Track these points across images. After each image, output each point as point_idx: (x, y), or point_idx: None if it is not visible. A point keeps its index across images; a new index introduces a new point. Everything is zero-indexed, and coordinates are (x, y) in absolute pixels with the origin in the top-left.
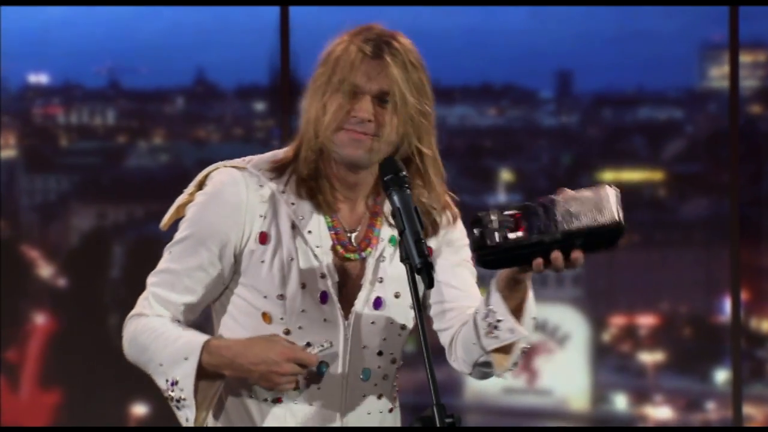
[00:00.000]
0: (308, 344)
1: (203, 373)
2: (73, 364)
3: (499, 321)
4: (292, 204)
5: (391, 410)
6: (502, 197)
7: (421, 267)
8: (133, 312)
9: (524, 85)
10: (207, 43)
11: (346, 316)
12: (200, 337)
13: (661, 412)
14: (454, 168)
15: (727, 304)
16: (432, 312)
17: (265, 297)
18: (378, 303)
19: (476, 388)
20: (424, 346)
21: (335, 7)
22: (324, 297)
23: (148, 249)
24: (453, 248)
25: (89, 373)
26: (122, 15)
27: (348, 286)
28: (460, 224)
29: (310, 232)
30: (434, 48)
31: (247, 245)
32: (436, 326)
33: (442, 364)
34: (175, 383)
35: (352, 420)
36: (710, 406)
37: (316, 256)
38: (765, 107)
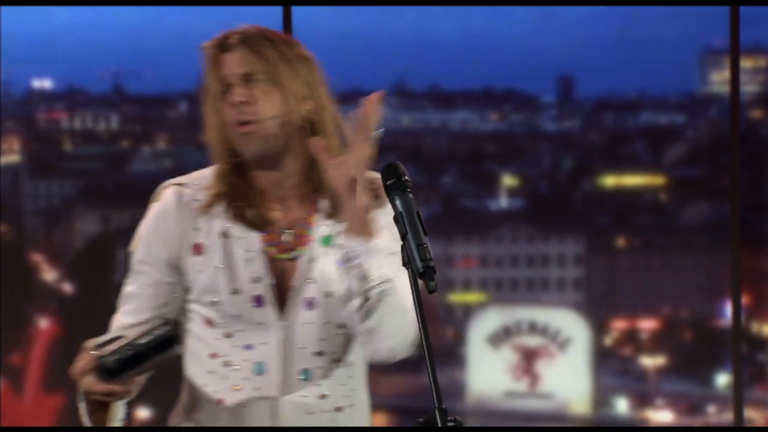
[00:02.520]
0: (248, 346)
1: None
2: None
3: (352, 249)
4: (223, 212)
5: (340, 409)
6: (504, 202)
7: (423, 271)
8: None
9: (526, 89)
10: None
11: (282, 318)
12: None
13: (662, 415)
14: (455, 172)
15: (728, 308)
16: None
17: (204, 304)
18: (310, 303)
19: (478, 391)
20: (426, 349)
21: (339, 11)
22: (258, 300)
23: None
24: None
25: None
26: (126, 20)
27: (283, 287)
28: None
29: (241, 238)
30: (436, 53)
31: (184, 258)
32: None
33: (444, 367)
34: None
35: (291, 420)
36: (711, 409)
37: (248, 260)
38: (766, 112)
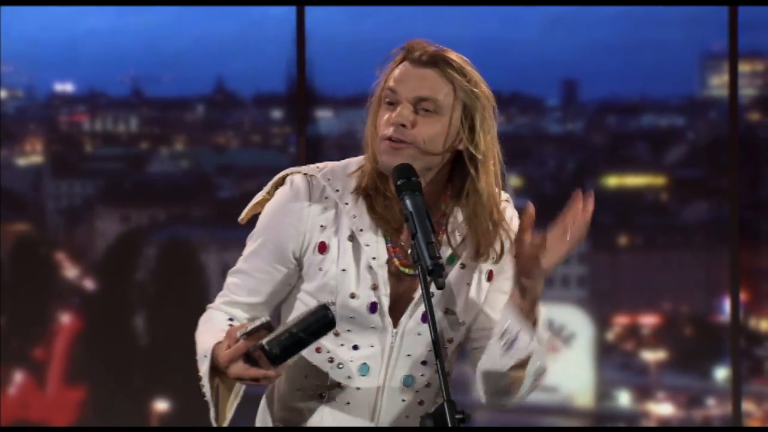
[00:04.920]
0: (355, 347)
1: (219, 373)
2: (98, 361)
3: (517, 332)
4: (354, 216)
5: None
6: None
7: (432, 269)
8: (208, 306)
9: (531, 93)
10: (227, 54)
11: (395, 325)
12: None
13: (662, 408)
14: None
15: (727, 305)
16: (472, 335)
17: (319, 302)
18: (426, 317)
19: None
20: (434, 344)
21: (351, 16)
22: (373, 307)
23: (171, 251)
24: (503, 276)
25: (113, 370)
26: (146, 27)
27: (401, 297)
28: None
29: (368, 245)
30: None
31: (308, 253)
32: (470, 346)
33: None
34: (201, 380)
35: (387, 420)
36: (710, 402)
37: (370, 268)
38: (763, 115)
